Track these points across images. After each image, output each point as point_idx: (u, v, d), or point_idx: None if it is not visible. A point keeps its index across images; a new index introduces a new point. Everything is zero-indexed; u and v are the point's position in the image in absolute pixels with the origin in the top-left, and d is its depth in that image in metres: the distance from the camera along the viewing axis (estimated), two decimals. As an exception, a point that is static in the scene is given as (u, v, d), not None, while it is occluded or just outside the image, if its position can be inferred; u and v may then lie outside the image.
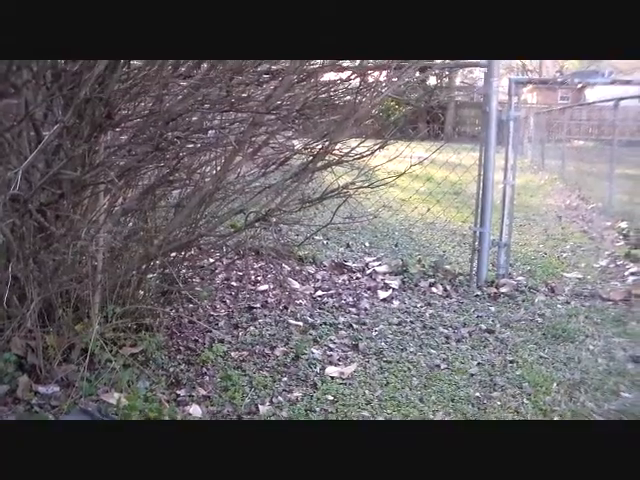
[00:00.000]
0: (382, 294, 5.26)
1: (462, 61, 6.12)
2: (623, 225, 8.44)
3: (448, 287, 5.51)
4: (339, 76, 4.35)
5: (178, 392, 3.54)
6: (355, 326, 4.60)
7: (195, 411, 3.39)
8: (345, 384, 3.68)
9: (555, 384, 3.82)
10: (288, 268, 5.83)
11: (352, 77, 4.22)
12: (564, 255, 7.22)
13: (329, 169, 4.42)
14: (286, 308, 4.89)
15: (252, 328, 4.45)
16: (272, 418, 3.30)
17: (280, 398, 3.49)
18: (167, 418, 3.20)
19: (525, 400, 3.62)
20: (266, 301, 5.02)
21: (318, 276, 5.72)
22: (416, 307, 5.06)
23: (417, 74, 4.67)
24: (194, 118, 3.59)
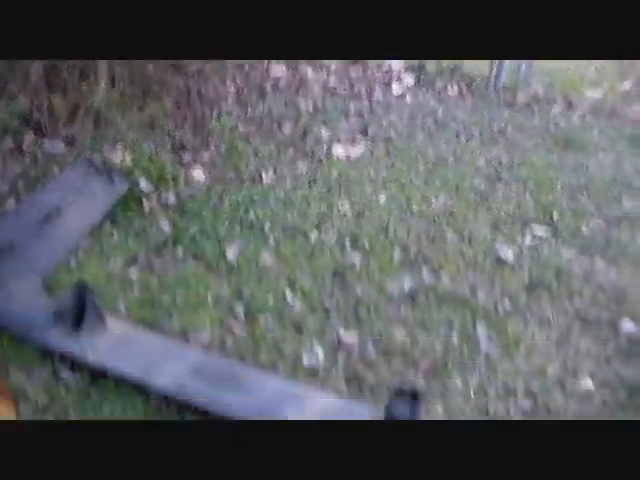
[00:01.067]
0: (396, 89, 5.11)
1: None
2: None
3: (464, 89, 5.34)
4: None
5: (183, 155, 3.54)
6: (366, 115, 4.51)
7: (198, 176, 3.41)
8: (351, 164, 3.67)
9: (559, 186, 3.81)
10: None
11: None
12: (587, 75, 6.95)
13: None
14: (297, 91, 4.77)
15: (261, 106, 4.36)
16: (275, 187, 3.34)
17: (284, 169, 3.49)
18: (170, 177, 3.22)
19: (527, 196, 3.64)
20: (277, 83, 4.89)
21: (332, 66, 5.52)
22: (429, 104, 4.93)
23: None
24: None
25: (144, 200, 3.17)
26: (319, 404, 2.10)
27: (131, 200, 3.15)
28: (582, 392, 2.45)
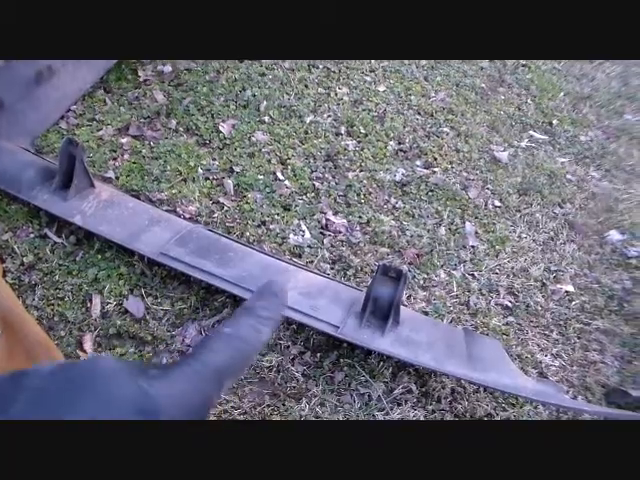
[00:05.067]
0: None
1: None
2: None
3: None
4: None
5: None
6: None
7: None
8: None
9: (562, 94, 3.73)
10: None
11: None
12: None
13: None
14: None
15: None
16: (274, 66, 3.23)
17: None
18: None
19: (529, 101, 3.56)
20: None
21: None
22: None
23: None
24: None
25: (139, 69, 3.08)
26: (303, 279, 2.11)
27: (126, 69, 3.05)
28: (562, 294, 2.48)
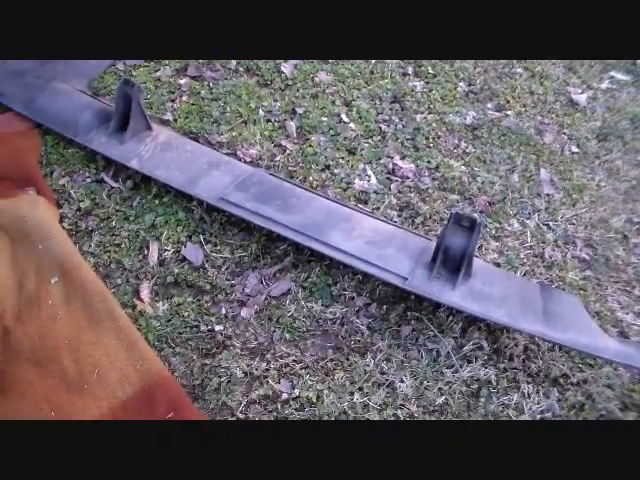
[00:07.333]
0: None
1: None
2: None
3: None
4: None
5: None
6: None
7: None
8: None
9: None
10: None
11: None
12: None
13: None
14: None
15: None
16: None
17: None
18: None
19: (610, 39, 3.32)
20: None
21: None
22: None
23: None
24: None
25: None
26: (369, 227, 2.00)
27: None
28: (645, 248, 2.32)
